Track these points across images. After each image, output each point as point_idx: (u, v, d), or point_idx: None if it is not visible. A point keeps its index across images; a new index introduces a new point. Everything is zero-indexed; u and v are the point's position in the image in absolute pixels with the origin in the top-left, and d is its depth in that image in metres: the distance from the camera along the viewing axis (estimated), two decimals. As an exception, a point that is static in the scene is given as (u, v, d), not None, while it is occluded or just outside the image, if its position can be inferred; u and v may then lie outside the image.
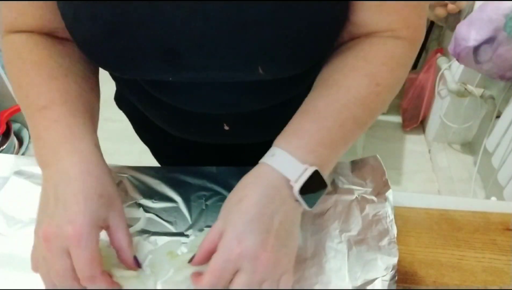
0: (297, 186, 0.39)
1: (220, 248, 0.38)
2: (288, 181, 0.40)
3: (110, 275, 0.42)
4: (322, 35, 0.42)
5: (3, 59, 0.48)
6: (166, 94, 0.52)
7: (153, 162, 0.79)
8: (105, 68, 0.46)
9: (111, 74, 0.54)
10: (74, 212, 0.38)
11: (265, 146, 0.63)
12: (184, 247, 0.49)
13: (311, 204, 0.41)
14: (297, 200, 0.41)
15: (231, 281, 0.38)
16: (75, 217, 0.38)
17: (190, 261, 0.42)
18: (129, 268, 0.44)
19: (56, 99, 0.43)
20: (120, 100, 0.69)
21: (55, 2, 0.43)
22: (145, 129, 0.71)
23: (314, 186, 0.40)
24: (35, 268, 0.42)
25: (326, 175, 0.42)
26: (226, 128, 0.57)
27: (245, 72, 0.43)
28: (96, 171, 0.41)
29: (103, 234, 0.42)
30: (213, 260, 0.38)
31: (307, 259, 0.46)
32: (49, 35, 0.47)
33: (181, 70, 0.43)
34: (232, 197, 0.41)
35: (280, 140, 0.43)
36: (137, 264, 0.44)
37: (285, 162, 0.40)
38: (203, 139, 0.61)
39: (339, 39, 0.46)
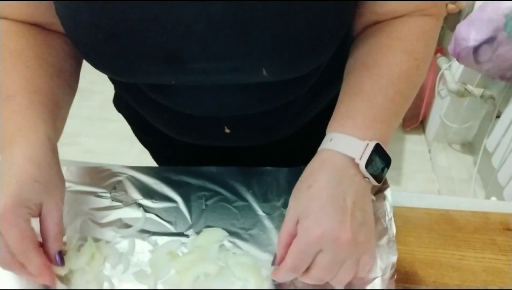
0: (362, 163, 0.40)
1: (300, 233, 0.39)
2: (352, 160, 0.40)
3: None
4: (326, 36, 0.42)
5: None
6: (166, 97, 0.52)
7: (153, 162, 0.79)
8: (106, 72, 0.46)
9: (109, 78, 0.54)
10: (3, 193, 0.39)
11: (265, 149, 0.63)
12: (184, 247, 0.49)
13: (379, 178, 0.42)
14: (365, 177, 0.41)
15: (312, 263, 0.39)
16: (3, 197, 0.39)
17: (273, 262, 0.43)
18: (51, 261, 0.43)
19: (22, 89, 0.44)
20: (119, 102, 0.69)
21: (48, 2, 0.43)
22: (144, 132, 0.71)
23: (378, 160, 0.41)
24: None
25: (386, 147, 0.43)
26: (227, 131, 0.56)
27: (249, 74, 0.43)
28: (38, 159, 0.42)
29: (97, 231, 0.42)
30: (294, 243, 0.39)
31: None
32: (36, 25, 0.48)
33: (184, 73, 0.43)
34: (300, 185, 0.42)
35: (333, 125, 0.43)
36: (59, 261, 0.43)
37: (345, 143, 0.41)
38: (204, 142, 0.61)
39: (363, 26, 0.47)
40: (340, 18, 0.42)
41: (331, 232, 0.38)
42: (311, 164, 0.42)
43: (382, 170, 0.42)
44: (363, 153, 0.40)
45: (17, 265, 0.41)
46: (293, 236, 0.40)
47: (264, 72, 0.42)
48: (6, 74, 0.45)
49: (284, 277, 0.41)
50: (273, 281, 0.44)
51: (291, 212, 0.41)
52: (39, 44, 0.47)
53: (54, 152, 0.44)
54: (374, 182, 0.42)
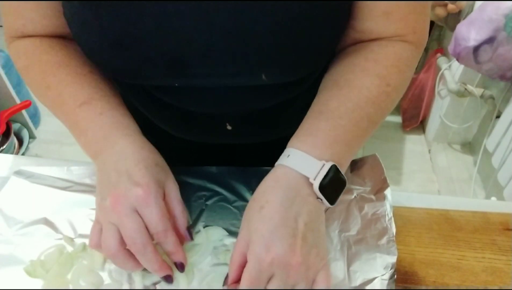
0: (316, 183, 0.40)
1: (251, 259, 0.38)
2: (307, 179, 0.40)
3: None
4: (324, 42, 0.42)
5: (16, 65, 0.48)
6: (169, 96, 0.53)
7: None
8: (110, 75, 0.47)
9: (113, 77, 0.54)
10: (138, 177, 0.41)
11: (268, 146, 0.63)
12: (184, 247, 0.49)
13: (332, 200, 0.42)
14: (318, 198, 0.41)
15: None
16: (140, 180, 0.41)
17: (225, 282, 0.43)
18: (181, 239, 0.44)
19: (93, 94, 0.45)
20: None
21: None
22: (146, 131, 0.71)
23: (333, 183, 0.41)
24: (95, 243, 0.42)
25: (343, 171, 0.42)
26: (229, 127, 0.57)
27: (249, 78, 0.44)
28: (148, 146, 0.45)
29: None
30: (246, 271, 0.38)
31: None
32: (59, 37, 0.48)
33: (186, 77, 0.44)
34: (253, 204, 0.41)
35: (294, 141, 0.43)
36: (189, 236, 0.45)
37: (301, 161, 0.41)
38: (206, 140, 0.61)
39: (344, 43, 0.47)
40: (337, 24, 0.42)
41: (281, 258, 0.37)
42: (264, 181, 0.42)
43: (336, 192, 0.42)
44: (318, 173, 0.40)
45: (147, 247, 0.40)
46: (245, 256, 0.40)
47: (264, 77, 0.43)
48: (65, 85, 0.45)
49: None
50: None
51: (243, 233, 0.41)
52: (76, 52, 0.47)
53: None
54: (327, 204, 0.41)
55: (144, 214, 0.40)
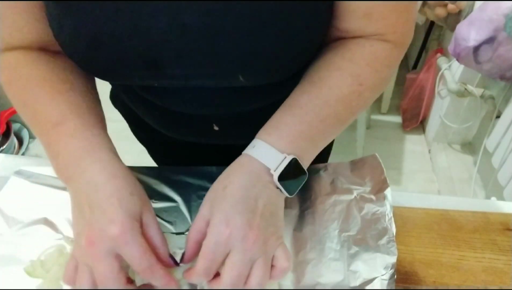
0: (276, 174, 0.42)
1: (210, 233, 0.39)
2: (268, 169, 0.42)
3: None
4: (300, 47, 0.42)
5: (1, 79, 0.48)
6: (154, 95, 0.53)
7: (153, 162, 0.79)
8: (91, 74, 0.46)
9: None
10: (112, 213, 0.38)
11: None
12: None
13: (291, 191, 0.44)
14: (278, 187, 0.42)
15: (224, 263, 0.39)
16: (114, 217, 0.38)
17: (181, 260, 0.43)
18: (166, 266, 0.41)
19: (67, 114, 0.44)
20: (115, 99, 0.69)
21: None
22: (140, 128, 0.71)
23: (293, 174, 0.43)
24: (69, 279, 0.40)
25: (305, 165, 0.44)
26: (216, 128, 0.57)
27: (226, 79, 0.44)
28: (121, 173, 0.42)
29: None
30: (204, 245, 0.39)
31: (307, 260, 0.47)
32: (45, 50, 0.48)
33: (163, 78, 0.44)
34: (216, 185, 0.43)
35: (261, 132, 0.45)
36: (174, 263, 0.42)
37: (265, 152, 0.43)
38: (195, 140, 0.62)
39: (325, 40, 0.47)
40: (313, 30, 0.42)
41: (239, 231, 0.38)
42: (230, 167, 0.44)
43: (296, 184, 0.44)
44: (279, 165, 0.42)
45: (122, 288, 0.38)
46: (202, 233, 0.40)
47: (241, 78, 0.43)
48: (40, 104, 0.44)
49: (196, 280, 0.41)
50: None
51: (203, 211, 0.42)
52: (59, 67, 0.47)
53: (124, 165, 0.44)
54: (286, 194, 0.43)
55: (124, 253, 0.38)
